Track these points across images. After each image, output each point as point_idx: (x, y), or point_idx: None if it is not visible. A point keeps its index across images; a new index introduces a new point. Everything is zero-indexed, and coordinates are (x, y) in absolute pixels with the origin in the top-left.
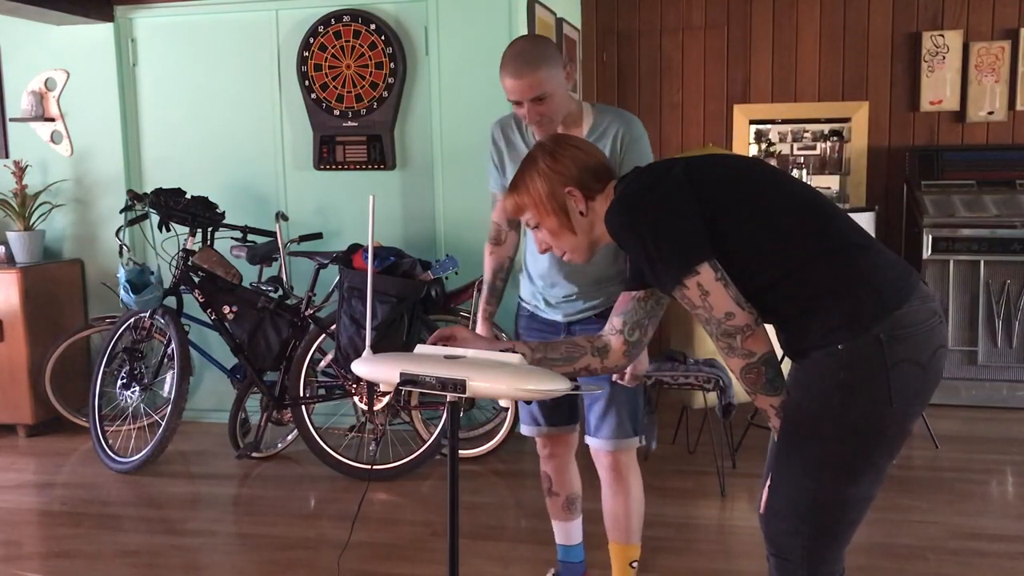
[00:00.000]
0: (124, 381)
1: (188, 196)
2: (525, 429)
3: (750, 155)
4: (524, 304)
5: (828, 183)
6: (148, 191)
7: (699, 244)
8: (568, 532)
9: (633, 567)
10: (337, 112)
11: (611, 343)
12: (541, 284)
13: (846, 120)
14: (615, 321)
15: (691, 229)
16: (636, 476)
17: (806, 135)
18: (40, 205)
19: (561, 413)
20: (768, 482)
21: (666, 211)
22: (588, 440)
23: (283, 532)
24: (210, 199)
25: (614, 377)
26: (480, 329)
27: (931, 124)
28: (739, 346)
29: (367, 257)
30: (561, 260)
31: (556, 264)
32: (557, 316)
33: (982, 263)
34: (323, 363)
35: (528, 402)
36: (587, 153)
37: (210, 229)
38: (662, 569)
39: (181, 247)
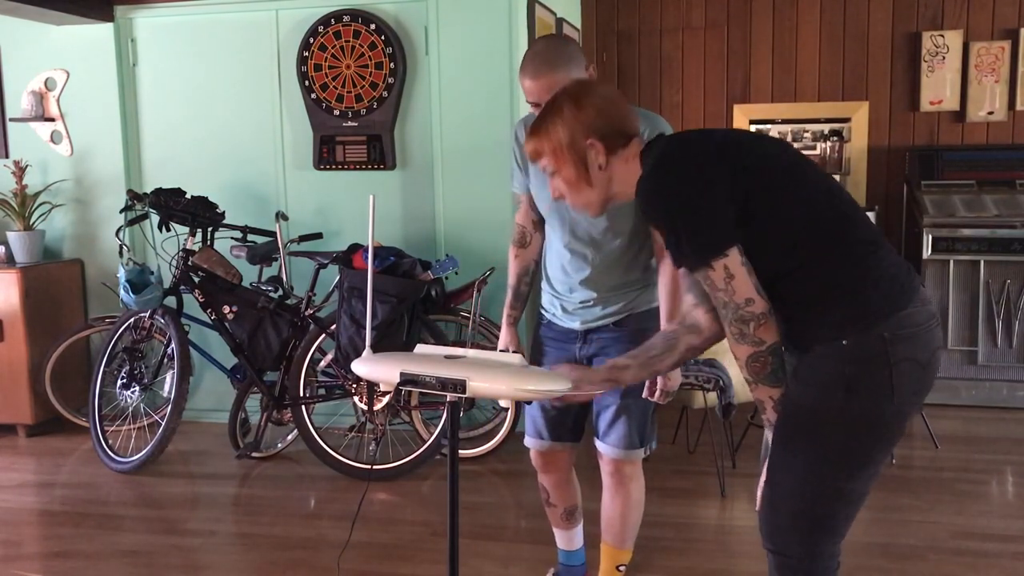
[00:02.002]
0: (124, 381)
1: (188, 196)
2: (528, 440)
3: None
4: (543, 312)
5: None
6: (148, 191)
7: (729, 227)
8: (569, 539)
9: (620, 571)
10: (337, 112)
11: (697, 317)
12: (559, 289)
13: (846, 120)
14: (687, 298)
15: (722, 210)
16: (638, 485)
17: (806, 135)
18: (40, 205)
19: (565, 428)
20: (765, 477)
21: (698, 190)
22: (596, 442)
23: (283, 532)
24: (210, 199)
25: (644, 392)
26: (504, 334)
27: (931, 124)
28: (751, 333)
29: (367, 257)
30: (580, 266)
31: (575, 270)
32: (574, 323)
33: (982, 263)
34: (323, 363)
35: (528, 402)
36: (613, 105)
37: (210, 229)
38: (662, 569)
39: (181, 247)
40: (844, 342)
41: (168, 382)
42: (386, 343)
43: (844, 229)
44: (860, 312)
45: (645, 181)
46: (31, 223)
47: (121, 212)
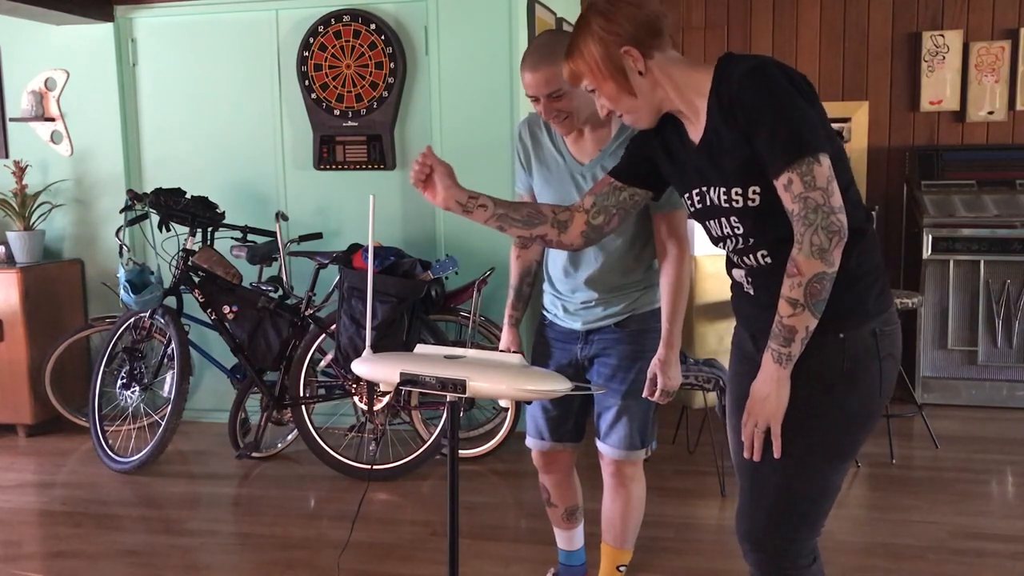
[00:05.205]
0: (124, 381)
1: (188, 196)
2: (529, 441)
3: None
4: (544, 312)
5: None
6: (148, 191)
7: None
8: (569, 539)
9: (620, 571)
10: (337, 112)
11: (573, 219)
12: (561, 289)
13: (846, 120)
14: (585, 200)
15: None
16: (639, 486)
17: None
18: (40, 205)
19: (566, 428)
20: (752, 474)
21: (804, 96)
22: (597, 443)
23: (283, 532)
24: (210, 199)
25: (644, 393)
26: (505, 335)
27: (931, 124)
28: (830, 250)
29: (367, 257)
30: (581, 265)
31: (576, 270)
32: (576, 324)
33: (982, 263)
34: (323, 363)
35: (528, 403)
36: (640, 8)
37: (210, 229)
38: (662, 569)
39: (181, 247)
40: (841, 335)
41: (168, 382)
42: (386, 343)
43: (860, 208)
44: (859, 303)
45: (753, 70)
46: (31, 223)
47: (121, 212)
